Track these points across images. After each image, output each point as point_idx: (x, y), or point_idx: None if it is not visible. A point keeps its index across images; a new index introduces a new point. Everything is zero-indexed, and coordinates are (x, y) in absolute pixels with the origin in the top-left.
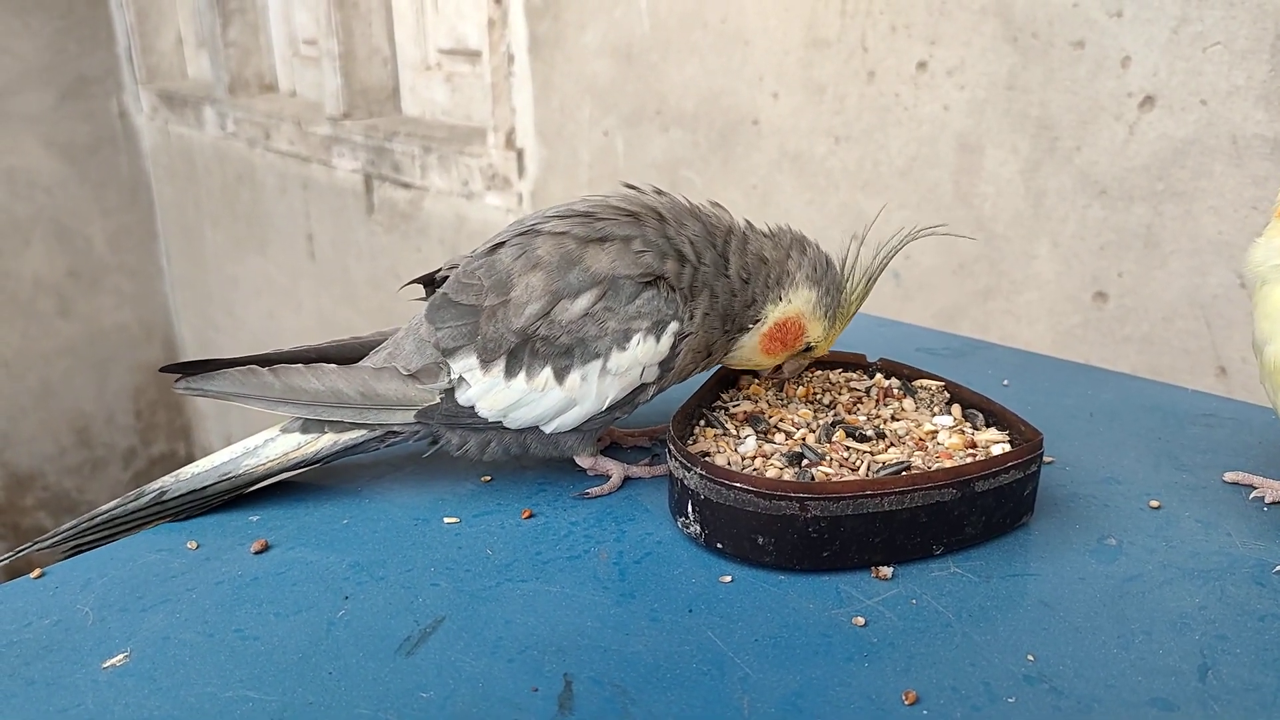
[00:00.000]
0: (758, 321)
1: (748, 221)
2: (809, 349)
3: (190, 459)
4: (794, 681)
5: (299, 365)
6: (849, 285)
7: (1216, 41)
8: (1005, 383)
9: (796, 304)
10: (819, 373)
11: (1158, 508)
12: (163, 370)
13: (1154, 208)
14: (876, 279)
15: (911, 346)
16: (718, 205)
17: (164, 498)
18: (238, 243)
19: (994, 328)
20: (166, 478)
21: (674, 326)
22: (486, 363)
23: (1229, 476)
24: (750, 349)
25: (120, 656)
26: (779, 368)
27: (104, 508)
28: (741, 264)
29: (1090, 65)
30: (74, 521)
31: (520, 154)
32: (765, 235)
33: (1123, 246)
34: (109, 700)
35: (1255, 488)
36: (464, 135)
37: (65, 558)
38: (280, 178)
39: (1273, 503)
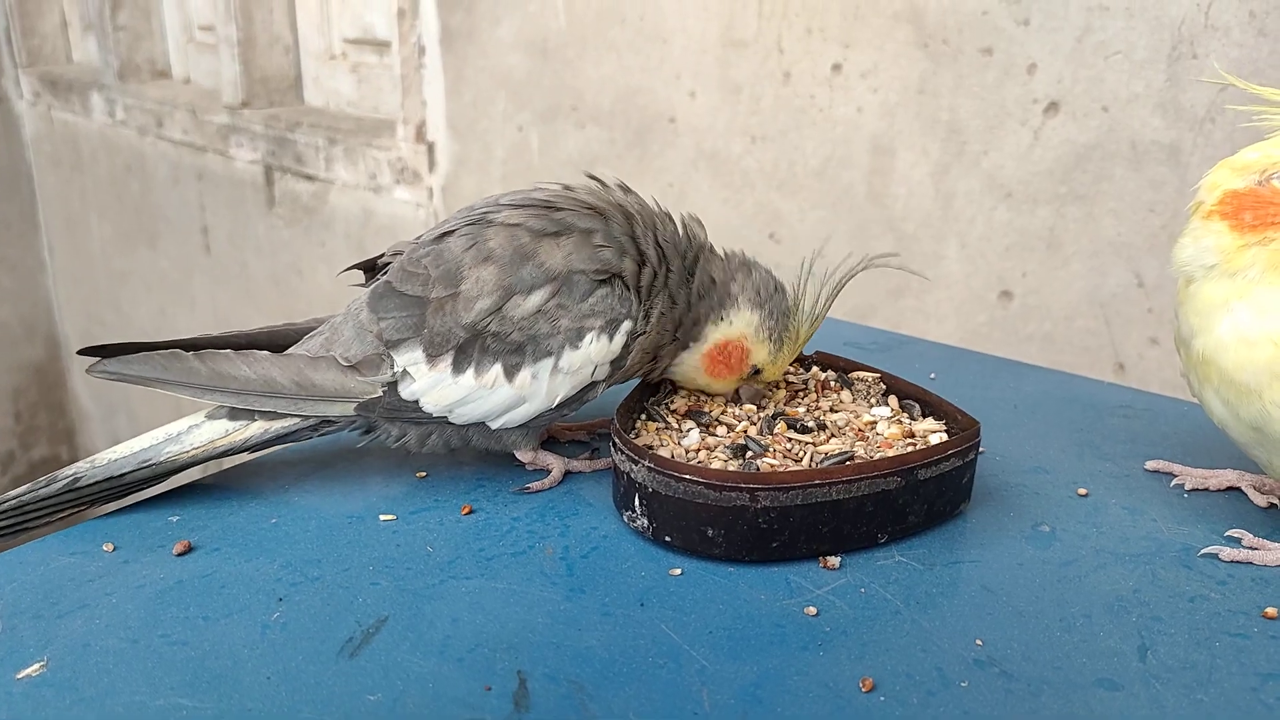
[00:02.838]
0: (698, 340)
1: (711, 244)
2: (756, 372)
3: (73, 463)
4: (751, 672)
5: (228, 351)
6: (799, 311)
7: (1117, 51)
8: (932, 375)
9: (738, 325)
10: None
11: (1085, 495)
12: (80, 353)
13: (1057, 210)
14: (829, 306)
15: (839, 340)
16: (697, 220)
17: (78, 484)
18: (126, 236)
19: (905, 325)
20: (81, 463)
21: (627, 325)
22: (433, 357)
23: (1150, 465)
24: (692, 367)
25: (36, 666)
26: (737, 394)
27: (10, 494)
28: (699, 281)
29: (998, 72)
30: None
31: (431, 148)
32: (720, 257)
33: (1027, 248)
34: (25, 712)
35: (1175, 475)
36: (372, 127)
37: None
38: (173, 168)
39: (1192, 489)
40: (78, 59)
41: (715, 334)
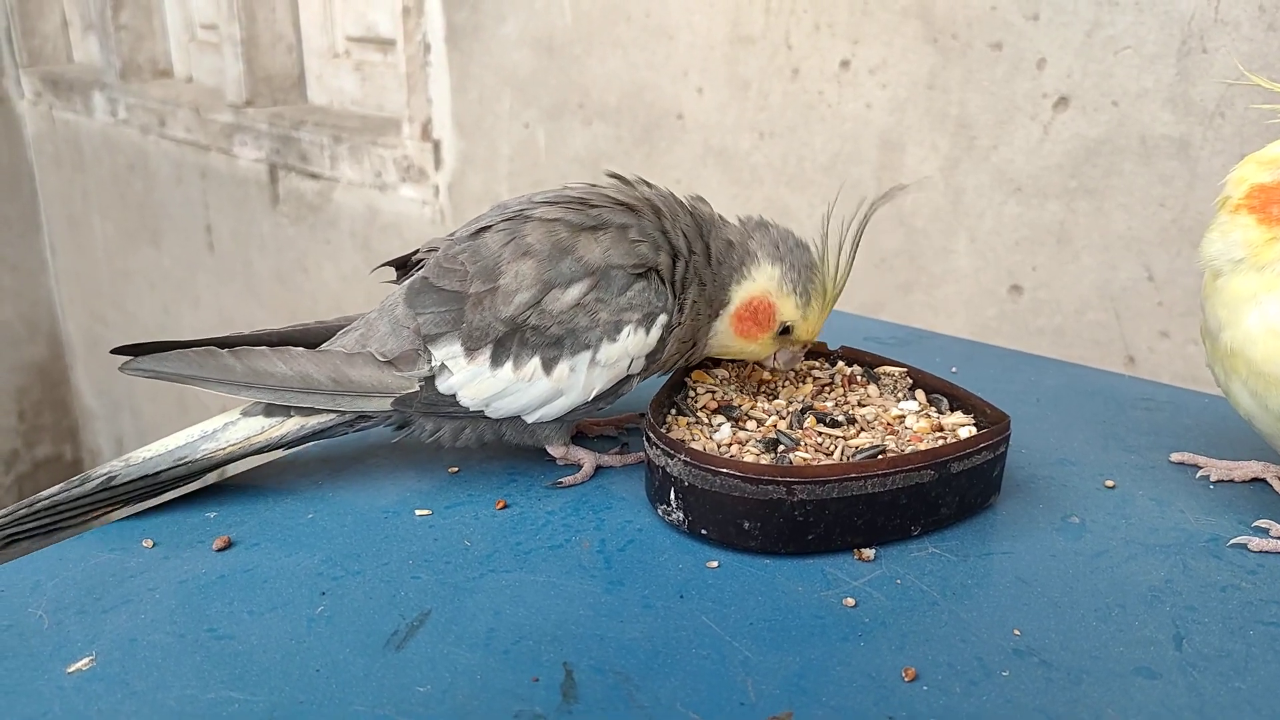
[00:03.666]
0: (726, 304)
1: (721, 215)
2: (787, 330)
3: (78, 462)
4: (794, 663)
5: (263, 348)
6: (824, 264)
7: (1127, 45)
8: (954, 369)
9: (760, 280)
10: None
11: (1113, 487)
12: (113, 352)
13: (1067, 205)
14: (852, 257)
15: (859, 335)
16: (701, 200)
17: (112, 483)
18: (129, 234)
19: (914, 320)
20: (115, 461)
21: (663, 319)
22: (471, 351)
23: (1176, 457)
24: (725, 334)
25: (85, 660)
26: (774, 363)
27: (45, 494)
28: (716, 250)
29: (1007, 67)
30: (11, 508)
31: (437, 145)
32: (733, 223)
33: (1037, 242)
34: (79, 706)
35: (1200, 467)
36: (377, 125)
37: (0, 549)
38: (176, 166)
39: (1218, 481)
40: (79, 59)
41: (739, 293)
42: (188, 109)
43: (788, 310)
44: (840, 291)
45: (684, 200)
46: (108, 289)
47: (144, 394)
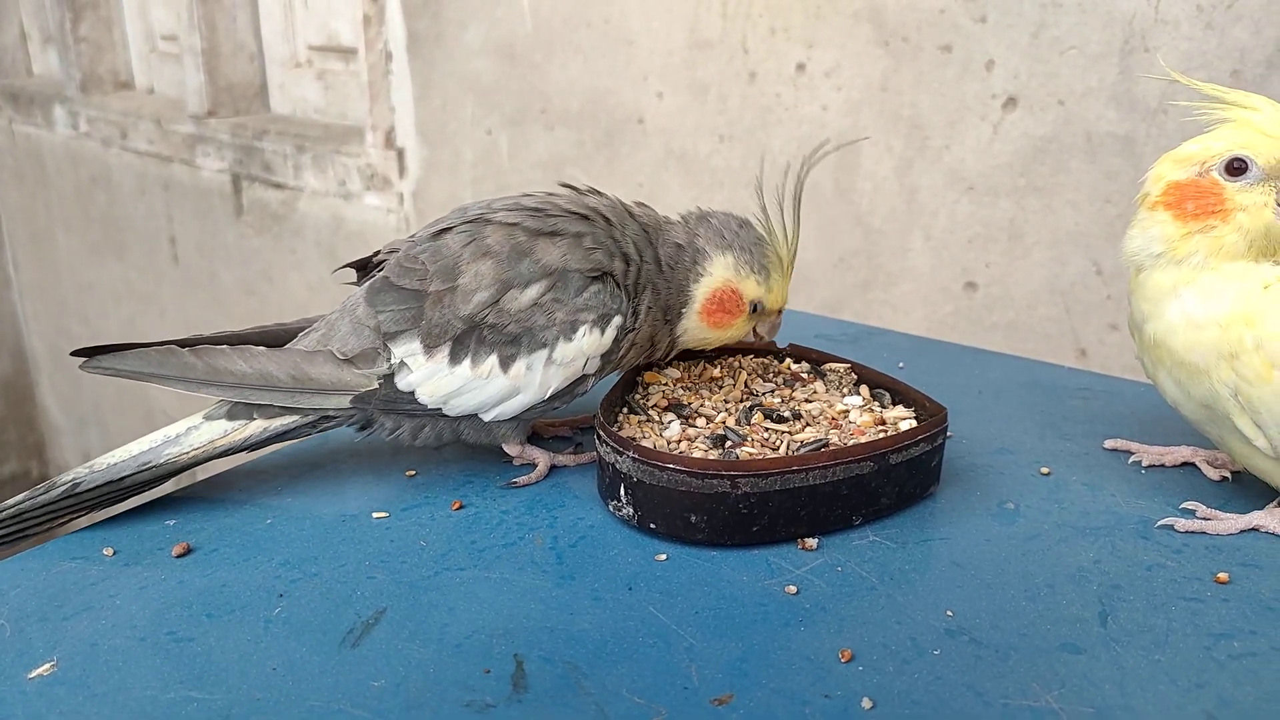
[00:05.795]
0: (689, 303)
1: (665, 216)
2: (758, 308)
3: (44, 478)
4: (737, 648)
5: (223, 347)
6: (773, 235)
7: (1072, 46)
8: (900, 365)
9: (717, 273)
10: (730, 359)
11: (1048, 474)
12: (73, 354)
13: (1017, 202)
14: (797, 219)
15: (810, 333)
16: (644, 205)
17: (77, 489)
18: (93, 248)
19: (873, 318)
20: (79, 468)
21: (618, 320)
22: (430, 348)
23: (1109, 444)
24: (697, 328)
25: (46, 665)
26: (758, 335)
27: (10, 502)
28: (667, 257)
29: (957, 68)
30: None
31: (401, 153)
32: (676, 221)
33: (989, 239)
34: (41, 710)
35: (1133, 453)
36: (340, 134)
37: None
38: (139, 178)
39: (1149, 466)
40: (39, 71)
41: (700, 291)
42: (149, 121)
43: (751, 290)
44: (795, 253)
45: (630, 208)
46: (72, 303)
47: (110, 408)
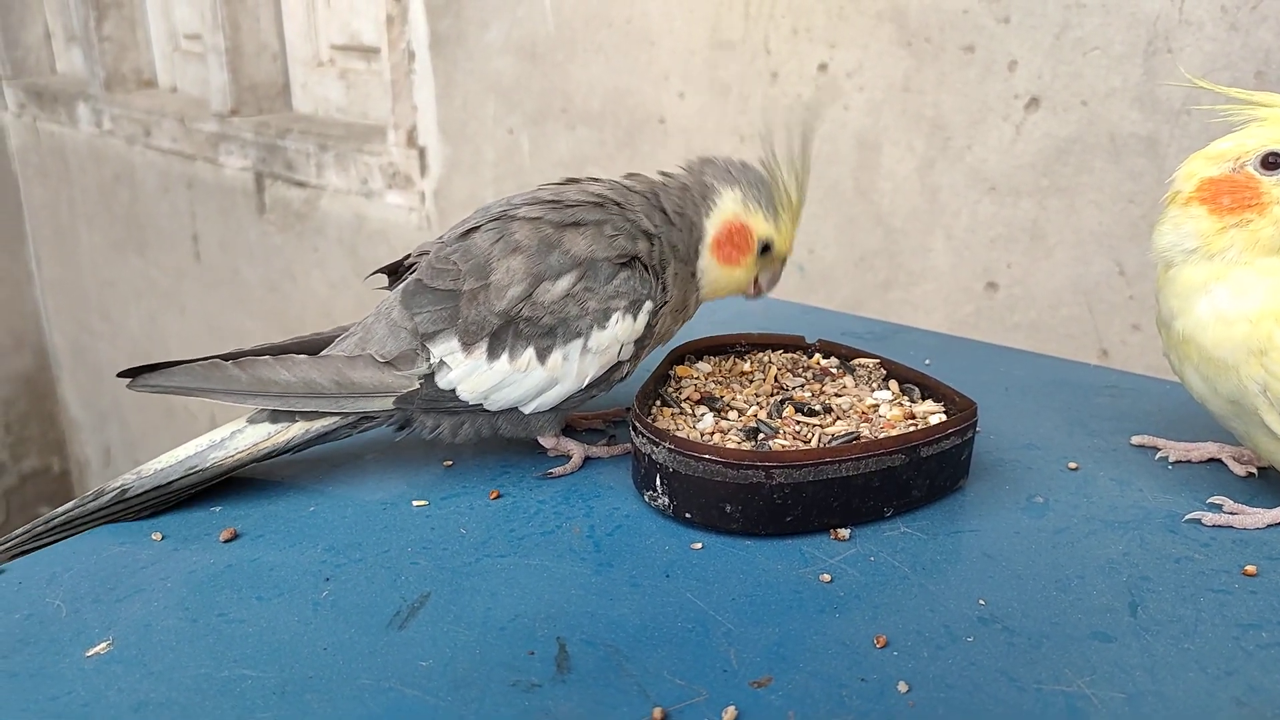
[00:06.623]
0: (703, 240)
1: (659, 172)
2: (767, 249)
3: (65, 474)
4: (774, 634)
5: (266, 357)
6: (779, 174)
7: (1095, 46)
8: (927, 361)
9: (725, 205)
10: (760, 355)
11: (1076, 469)
12: (119, 375)
13: (1039, 202)
14: (807, 159)
15: (838, 330)
16: (634, 174)
17: (126, 495)
18: (115, 244)
19: (893, 317)
20: (127, 475)
21: (649, 305)
22: (468, 345)
23: (1136, 440)
24: (711, 268)
25: (103, 645)
26: (758, 285)
27: (60, 510)
28: (673, 206)
29: (980, 69)
30: (28, 526)
31: (422, 152)
32: (675, 174)
33: (1011, 239)
34: (100, 687)
35: (1160, 449)
36: (362, 133)
37: (11, 559)
38: (162, 176)
39: (1176, 461)
40: (62, 70)
41: (711, 225)
42: (173, 119)
43: (760, 226)
44: (803, 199)
45: (624, 182)
46: (94, 300)
47: (131, 404)
